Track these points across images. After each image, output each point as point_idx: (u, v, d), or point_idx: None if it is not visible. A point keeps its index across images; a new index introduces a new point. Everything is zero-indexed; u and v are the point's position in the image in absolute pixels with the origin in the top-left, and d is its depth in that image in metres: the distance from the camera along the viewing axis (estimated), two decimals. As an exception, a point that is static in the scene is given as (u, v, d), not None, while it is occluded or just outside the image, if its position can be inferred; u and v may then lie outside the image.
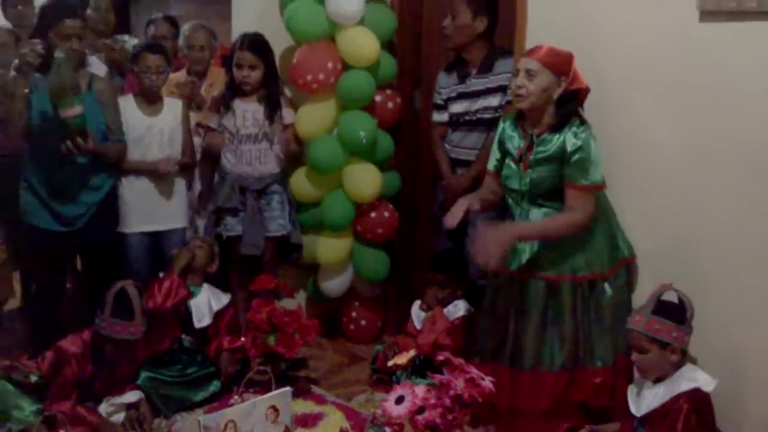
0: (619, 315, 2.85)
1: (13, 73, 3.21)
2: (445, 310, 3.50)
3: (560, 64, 2.76)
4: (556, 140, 2.79)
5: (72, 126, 3.06)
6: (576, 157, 2.75)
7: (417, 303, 3.64)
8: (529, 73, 2.76)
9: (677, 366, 2.52)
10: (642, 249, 2.96)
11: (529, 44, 3.07)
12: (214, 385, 3.36)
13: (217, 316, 3.48)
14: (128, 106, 3.51)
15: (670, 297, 2.60)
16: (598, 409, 2.86)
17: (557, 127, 2.80)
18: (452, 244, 3.60)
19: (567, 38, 2.88)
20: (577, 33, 2.98)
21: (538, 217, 2.88)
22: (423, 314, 3.59)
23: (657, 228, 2.91)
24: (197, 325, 3.43)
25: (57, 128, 3.06)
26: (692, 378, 2.50)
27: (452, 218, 3.10)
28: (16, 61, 3.21)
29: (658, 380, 2.55)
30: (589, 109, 2.88)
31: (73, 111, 3.04)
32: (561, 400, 2.88)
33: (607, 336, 2.88)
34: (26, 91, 3.12)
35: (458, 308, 3.48)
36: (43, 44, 3.16)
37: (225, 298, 3.53)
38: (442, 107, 3.58)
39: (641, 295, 2.91)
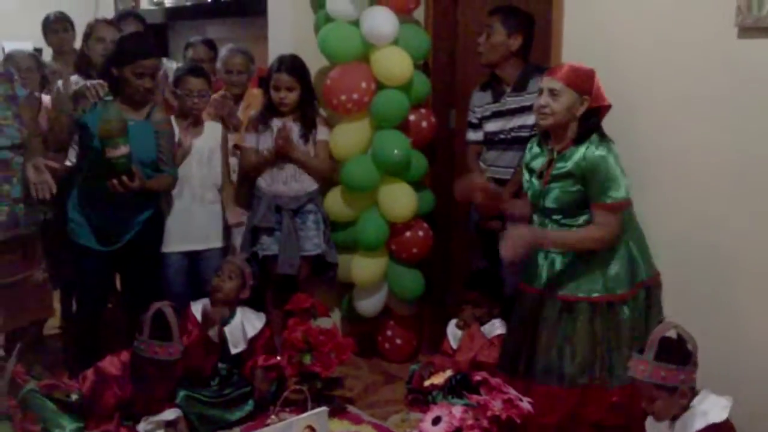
0: (637, 335, 2.83)
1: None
2: (481, 329, 3.48)
3: (583, 82, 2.79)
4: (575, 156, 2.81)
5: (118, 166, 3.12)
6: (595, 174, 2.76)
7: (453, 322, 3.62)
8: (553, 93, 2.79)
9: (688, 404, 2.44)
10: (670, 265, 2.93)
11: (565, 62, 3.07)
12: (249, 405, 3.36)
13: (252, 339, 3.49)
14: None
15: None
16: (614, 429, 2.83)
17: (577, 143, 2.82)
18: (488, 263, 3.59)
19: (602, 56, 2.88)
20: (613, 50, 2.98)
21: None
22: (459, 333, 3.57)
23: (687, 244, 2.89)
24: (233, 351, 3.44)
25: (105, 163, 3.13)
26: (704, 412, 2.40)
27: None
28: (74, 86, 3.26)
29: (673, 417, 2.47)
30: (621, 127, 2.88)
31: (118, 151, 3.10)
32: (573, 419, 2.86)
33: (625, 356, 2.82)
34: (71, 114, 3.19)
35: (495, 327, 3.46)
36: (111, 83, 3.22)
37: (259, 323, 3.53)
38: (477, 126, 3.58)
39: (668, 311, 2.90)
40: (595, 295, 2.85)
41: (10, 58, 4.19)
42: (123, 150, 3.11)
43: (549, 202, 2.90)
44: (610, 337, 2.87)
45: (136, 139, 3.20)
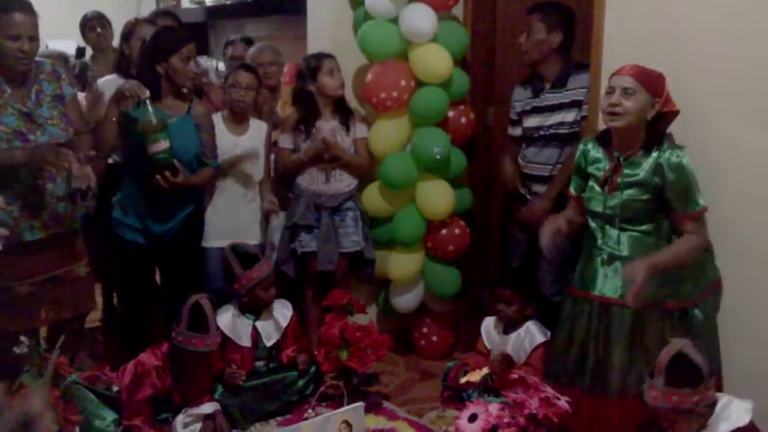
0: (709, 339, 2.78)
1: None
2: (516, 334, 3.41)
3: (655, 84, 2.71)
4: (647, 163, 2.72)
5: (159, 161, 3.17)
6: (678, 186, 2.68)
7: (487, 320, 3.59)
8: (626, 91, 2.69)
9: (707, 421, 2.39)
10: (731, 271, 2.86)
11: (606, 60, 3.03)
12: (287, 395, 3.40)
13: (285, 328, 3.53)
14: (216, 124, 3.59)
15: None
16: None
17: (647, 149, 2.73)
18: (523, 262, 3.57)
19: (644, 54, 2.82)
20: (655, 49, 2.91)
21: (623, 241, 2.81)
22: (494, 333, 3.53)
23: (750, 250, 2.81)
24: (267, 344, 3.48)
25: (147, 159, 3.18)
26: (728, 417, 2.35)
27: (544, 241, 2.99)
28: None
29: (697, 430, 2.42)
30: (676, 129, 2.81)
31: (159, 146, 3.14)
32: (647, 428, 2.76)
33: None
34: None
35: (533, 334, 3.38)
36: (148, 81, 3.24)
37: (288, 311, 3.56)
38: (516, 122, 3.56)
39: (726, 321, 2.85)
40: (670, 301, 2.77)
41: None
42: (164, 145, 3.14)
43: (614, 210, 2.80)
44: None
45: (179, 134, 3.24)
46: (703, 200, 2.71)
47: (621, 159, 2.79)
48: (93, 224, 3.63)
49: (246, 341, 3.43)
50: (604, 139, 2.87)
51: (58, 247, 3.14)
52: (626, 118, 2.70)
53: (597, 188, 2.86)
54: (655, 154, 2.72)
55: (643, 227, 2.80)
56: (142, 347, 3.17)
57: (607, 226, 2.85)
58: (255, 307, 3.48)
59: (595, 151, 2.89)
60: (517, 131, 3.57)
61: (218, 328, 3.15)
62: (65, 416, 2.74)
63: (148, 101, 3.14)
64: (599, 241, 2.87)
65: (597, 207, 2.86)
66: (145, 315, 3.53)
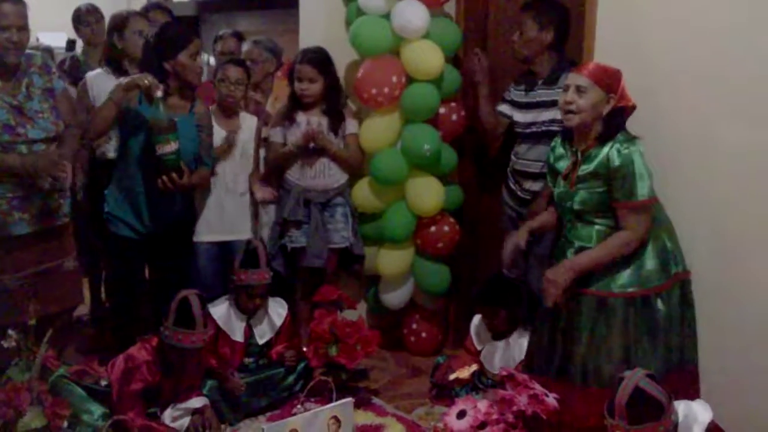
0: (673, 331, 2.82)
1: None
2: (505, 341, 3.37)
3: (609, 80, 2.77)
4: (599, 154, 2.79)
5: (168, 162, 3.16)
6: (620, 175, 2.74)
7: (476, 318, 3.56)
8: (579, 89, 2.78)
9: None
10: (701, 261, 2.89)
11: (597, 58, 3.05)
12: (276, 392, 3.41)
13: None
14: None
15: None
16: None
17: (601, 142, 2.80)
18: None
19: (636, 52, 2.84)
20: (647, 46, 2.94)
21: (591, 234, 2.86)
22: (482, 332, 3.49)
23: (717, 239, 2.85)
24: (260, 342, 3.48)
25: (155, 160, 3.17)
26: (695, 420, 2.36)
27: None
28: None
29: None
30: (652, 121, 2.85)
31: (168, 147, 3.14)
32: None
33: (659, 352, 2.83)
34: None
35: (520, 344, 3.32)
36: (161, 78, 3.21)
37: (283, 310, 3.56)
38: (507, 101, 3.57)
39: (700, 315, 2.90)
40: (631, 290, 2.82)
41: None
42: (173, 146, 3.15)
43: (577, 204, 2.87)
44: (643, 333, 2.83)
45: (182, 134, 3.23)
46: (644, 193, 2.73)
47: (579, 154, 2.85)
48: (83, 218, 3.62)
49: (239, 336, 3.42)
50: (568, 135, 2.93)
51: (47, 241, 3.13)
52: (580, 116, 2.79)
53: (562, 183, 2.92)
54: (607, 147, 2.78)
55: (608, 220, 2.84)
56: (132, 341, 3.16)
57: (576, 221, 2.91)
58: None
59: (560, 148, 2.97)
60: (505, 108, 3.58)
61: (206, 324, 3.11)
62: (53, 410, 2.73)
63: (161, 100, 3.12)
64: (569, 235, 2.93)
65: (564, 202, 2.93)
66: (134, 309, 3.52)
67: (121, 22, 3.84)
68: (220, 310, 3.42)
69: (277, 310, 3.54)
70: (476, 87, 3.67)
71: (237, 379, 3.30)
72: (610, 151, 2.76)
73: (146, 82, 3.11)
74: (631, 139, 2.79)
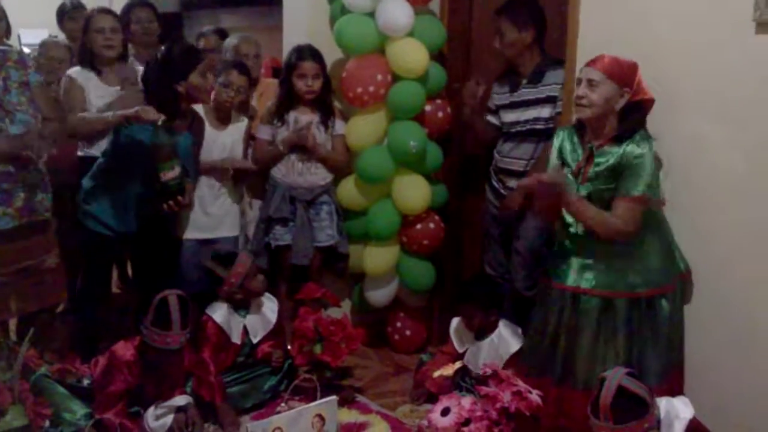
0: (675, 331, 2.80)
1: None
2: (489, 340, 3.33)
3: (624, 74, 2.72)
4: (615, 153, 2.73)
5: (173, 188, 3.17)
6: (630, 167, 2.69)
7: (455, 321, 3.50)
8: (591, 83, 2.72)
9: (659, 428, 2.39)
10: (697, 266, 2.89)
11: (581, 55, 3.05)
12: (261, 392, 3.38)
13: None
14: None
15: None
16: None
17: (619, 139, 2.74)
18: (498, 256, 3.60)
19: (619, 51, 2.84)
20: (631, 43, 2.94)
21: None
22: (464, 334, 3.45)
23: (713, 244, 2.84)
24: (254, 340, 3.46)
25: (159, 186, 3.17)
26: (676, 416, 2.37)
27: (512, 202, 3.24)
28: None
29: None
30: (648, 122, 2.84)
31: (172, 173, 3.14)
32: None
33: (662, 353, 2.80)
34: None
35: (504, 339, 3.29)
36: (159, 103, 3.19)
37: (275, 305, 3.54)
38: (494, 111, 3.58)
39: (695, 313, 2.89)
40: (638, 290, 2.77)
41: (43, 45, 4.21)
42: (176, 171, 3.16)
43: (588, 200, 2.80)
44: (646, 334, 2.79)
45: (181, 153, 3.23)
46: (641, 189, 2.68)
47: (593, 149, 2.80)
48: (64, 214, 3.59)
49: (237, 338, 3.40)
50: (580, 129, 2.89)
51: (30, 237, 3.10)
52: (592, 110, 2.73)
53: (571, 178, 2.86)
54: (624, 145, 2.72)
55: None
56: (108, 339, 3.14)
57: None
58: (249, 299, 3.45)
59: (569, 141, 2.91)
60: (494, 119, 3.59)
61: (187, 325, 3.07)
62: (35, 410, 2.71)
63: (161, 128, 3.11)
64: (573, 231, 2.88)
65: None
66: (104, 305, 3.50)
67: (85, 21, 3.76)
68: (220, 315, 3.37)
69: (270, 307, 3.53)
70: (473, 115, 3.62)
71: (233, 415, 3.23)
72: (628, 149, 2.70)
73: (152, 117, 3.09)
74: (648, 138, 2.74)
